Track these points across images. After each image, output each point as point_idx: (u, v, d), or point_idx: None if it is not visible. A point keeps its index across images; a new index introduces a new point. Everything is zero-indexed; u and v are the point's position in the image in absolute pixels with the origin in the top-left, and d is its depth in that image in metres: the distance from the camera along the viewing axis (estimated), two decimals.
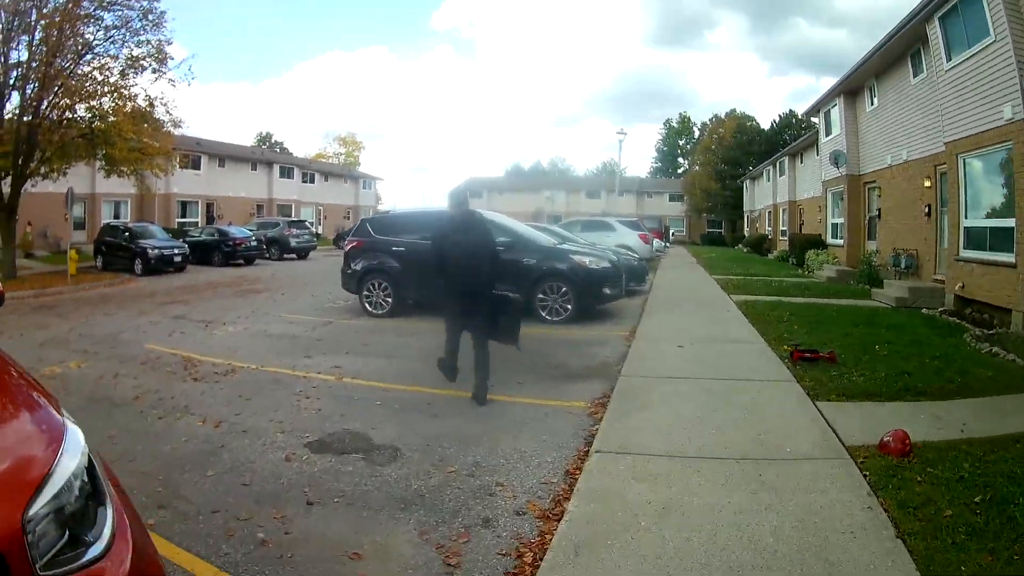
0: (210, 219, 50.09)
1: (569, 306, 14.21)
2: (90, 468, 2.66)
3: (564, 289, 14.25)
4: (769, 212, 50.52)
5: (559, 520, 4.90)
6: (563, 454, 6.42)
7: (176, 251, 30.19)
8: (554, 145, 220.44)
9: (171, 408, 8.00)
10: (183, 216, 49.39)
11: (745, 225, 64.48)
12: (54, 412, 2.86)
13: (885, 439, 6.15)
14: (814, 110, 32.12)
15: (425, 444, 6.66)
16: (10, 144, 23.83)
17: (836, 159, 26.65)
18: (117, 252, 30.44)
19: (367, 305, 15.64)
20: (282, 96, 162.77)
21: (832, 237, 29.90)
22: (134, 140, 26.74)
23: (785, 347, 10.61)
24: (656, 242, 33.03)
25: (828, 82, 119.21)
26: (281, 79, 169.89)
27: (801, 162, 42.08)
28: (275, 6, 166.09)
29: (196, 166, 50.45)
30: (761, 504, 5.06)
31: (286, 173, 62.09)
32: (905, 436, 6.09)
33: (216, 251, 34.33)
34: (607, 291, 14.85)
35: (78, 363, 10.60)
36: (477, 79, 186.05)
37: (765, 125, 78.42)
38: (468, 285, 8.39)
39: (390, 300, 15.37)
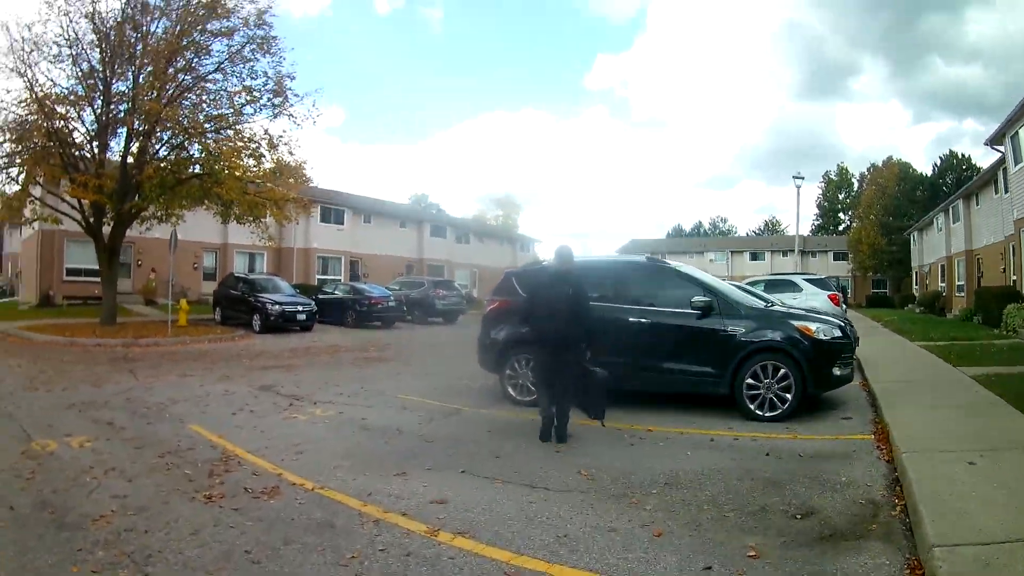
0: (354, 276, 46.84)
1: (788, 395, 9.80)
2: None
3: (783, 371, 9.87)
4: (942, 266, 44.35)
5: None
6: None
7: (301, 308, 27.16)
8: (712, 206, 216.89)
9: (125, 557, 4.97)
10: (324, 272, 46.27)
11: (913, 283, 58.41)
12: None
13: None
14: (998, 136, 27.66)
15: None
16: (108, 182, 22.59)
17: None
18: (237, 305, 27.99)
19: (510, 389, 11.50)
20: (440, 157, 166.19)
21: None
22: (255, 182, 25.04)
23: None
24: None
25: (971, 124, 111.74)
26: (439, 140, 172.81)
27: (977, 204, 36.68)
28: (434, 68, 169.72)
29: (339, 221, 47.62)
30: None
31: (438, 232, 58.77)
32: None
33: (350, 310, 30.91)
34: (837, 372, 10.34)
35: (83, 440, 8.48)
36: (633, 139, 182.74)
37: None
38: (556, 341, 8.70)
39: None
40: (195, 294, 37.43)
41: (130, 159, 23.64)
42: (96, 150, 23.79)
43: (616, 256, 13.28)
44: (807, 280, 24.52)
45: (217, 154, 23.41)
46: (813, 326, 10.14)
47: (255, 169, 24.57)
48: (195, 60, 24.00)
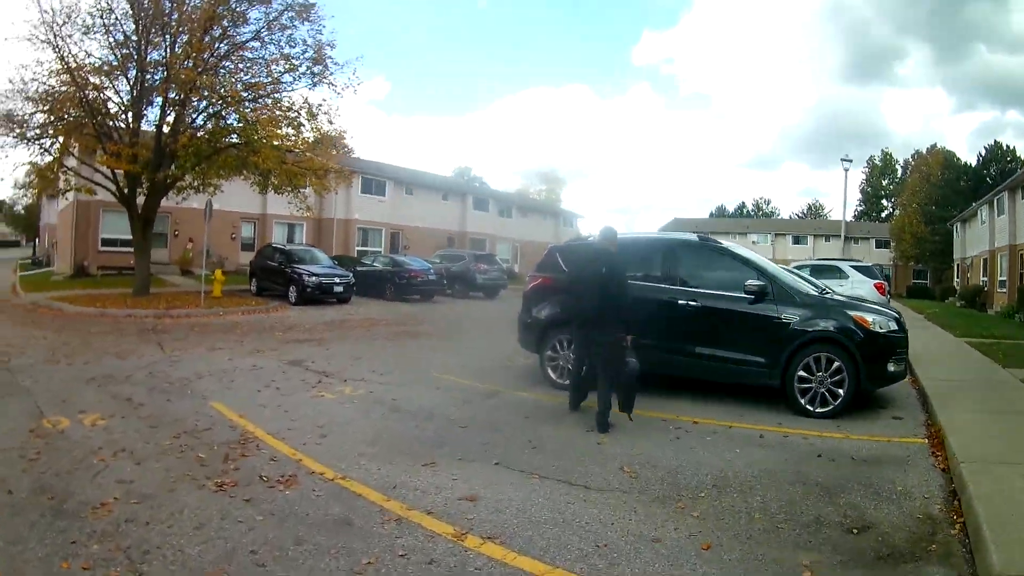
0: (394, 249, 46.03)
1: (841, 390, 9.18)
2: None
3: (837, 364, 9.25)
4: (985, 260, 43.12)
5: None
6: None
7: (338, 280, 26.34)
8: (755, 187, 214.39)
9: (120, 552, 4.58)
10: (364, 244, 45.29)
11: (955, 275, 57.06)
12: None
13: None
14: None
15: None
16: (142, 151, 22.43)
17: None
18: (273, 276, 27.37)
19: (550, 371, 10.95)
20: (483, 131, 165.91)
21: None
22: (294, 151, 24.70)
23: None
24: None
25: (1014, 115, 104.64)
26: (483, 113, 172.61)
27: (1023, 198, 35.51)
28: (478, 42, 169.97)
29: (381, 192, 46.85)
30: None
31: (481, 205, 57.45)
32: None
33: (389, 283, 29.98)
34: (892, 368, 9.66)
35: (96, 418, 8.03)
36: (677, 117, 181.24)
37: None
38: (584, 320, 8.69)
39: None
40: (232, 264, 37.35)
41: (165, 128, 23.33)
42: (131, 120, 23.53)
43: (666, 233, 12.48)
44: (853, 267, 23.86)
45: (255, 123, 22.90)
46: (870, 317, 9.53)
47: (294, 138, 24.19)
48: (231, 28, 23.51)
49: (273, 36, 23.85)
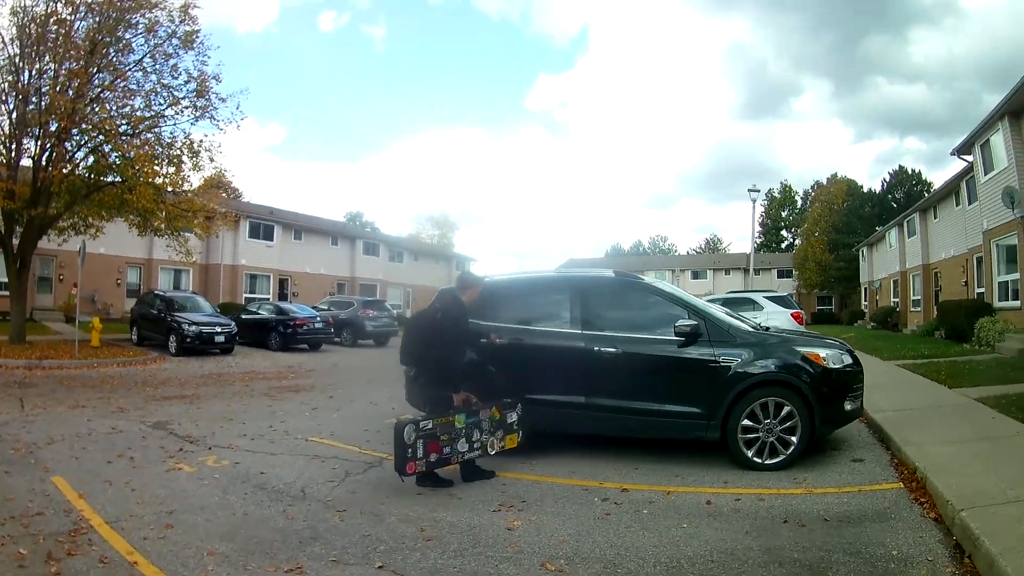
0: (283, 295, 45.95)
1: (793, 438, 8.01)
2: None
3: (788, 408, 8.06)
4: (895, 281, 44.29)
5: None
6: None
7: (220, 329, 25.35)
8: (651, 226, 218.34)
9: None
10: (252, 291, 44.58)
11: (863, 299, 58.39)
12: None
13: None
14: (966, 146, 26.72)
15: None
16: (23, 188, 21.07)
17: (1012, 197, 21.17)
18: (154, 325, 26.15)
19: None
20: (377, 176, 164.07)
21: (1001, 299, 24.12)
22: (172, 191, 23.41)
23: None
24: None
25: (913, 142, 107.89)
26: (377, 158, 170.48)
27: (935, 217, 36.34)
28: (374, 87, 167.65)
29: (269, 236, 46.21)
30: None
31: (371, 250, 57.26)
32: None
33: (274, 332, 28.96)
34: (848, 407, 8.56)
35: None
36: (571, 160, 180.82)
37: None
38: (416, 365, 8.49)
39: None
40: (118, 312, 36.08)
41: (43, 162, 21.65)
42: (12, 153, 21.88)
43: (577, 270, 10.99)
44: (768, 298, 23.49)
45: (132, 159, 21.37)
46: (823, 353, 8.38)
47: (173, 177, 22.87)
48: (115, 57, 22.18)
49: (157, 66, 22.54)
